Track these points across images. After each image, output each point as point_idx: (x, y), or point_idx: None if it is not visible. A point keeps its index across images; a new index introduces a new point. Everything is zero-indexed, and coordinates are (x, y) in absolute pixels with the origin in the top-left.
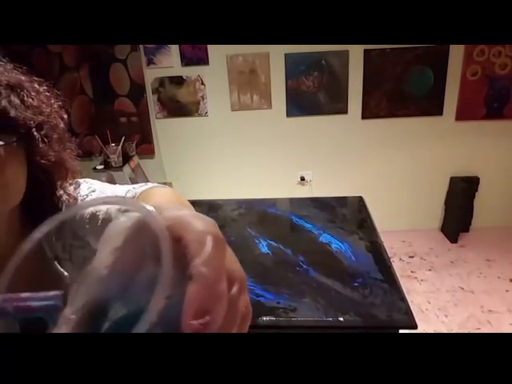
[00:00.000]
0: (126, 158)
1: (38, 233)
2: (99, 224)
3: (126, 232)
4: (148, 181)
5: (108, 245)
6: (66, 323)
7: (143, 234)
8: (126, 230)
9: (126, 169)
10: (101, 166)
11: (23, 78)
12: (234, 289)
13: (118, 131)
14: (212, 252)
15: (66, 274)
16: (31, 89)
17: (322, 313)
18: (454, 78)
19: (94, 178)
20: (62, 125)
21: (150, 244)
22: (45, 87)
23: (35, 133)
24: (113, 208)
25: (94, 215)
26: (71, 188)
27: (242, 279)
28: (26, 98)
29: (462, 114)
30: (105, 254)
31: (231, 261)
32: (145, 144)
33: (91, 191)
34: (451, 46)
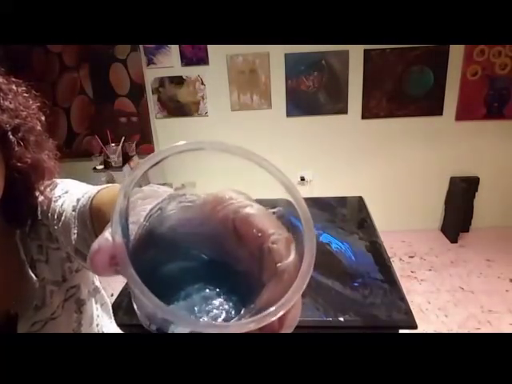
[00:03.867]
0: (126, 158)
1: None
2: (64, 222)
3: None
4: (149, 181)
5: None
6: None
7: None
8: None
9: (126, 169)
10: (101, 166)
11: (0, 79)
12: None
13: (118, 131)
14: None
15: (35, 278)
16: (8, 90)
17: (321, 313)
18: (454, 78)
19: (94, 178)
20: (38, 127)
21: None
22: (23, 88)
23: (11, 136)
24: (69, 207)
25: (60, 214)
26: (48, 189)
27: None
28: (1, 101)
29: (462, 114)
30: None
31: None
32: (145, 144)
33: (64, 192)
34: (451, 46)
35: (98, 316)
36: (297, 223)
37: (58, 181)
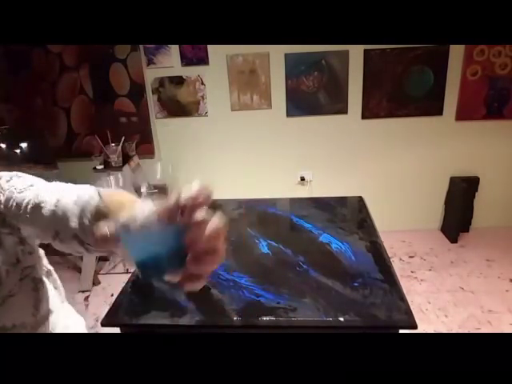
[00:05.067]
0: (126, 158)
1: None
2: (44, 215)
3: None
4: (139, 184)
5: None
6: None
7: None
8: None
9: (126, 169)
10: (101, 166)
11: None
12: None
13: (118, 131)
14: None
15: None
16: None
17: (322, 313)
18: (454, 78)
19: (94, 178)
20: None
21: None
22: None
23: None
24: (51, 201)
25: (37, 207)
26: (2, 181)
27: None
28: None
29: (462, 114)
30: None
31: None
32: (145, 144)
33: (29, 186)
34: (451, 45)
35: (51, 297)
36: None
37: (12, 173)
